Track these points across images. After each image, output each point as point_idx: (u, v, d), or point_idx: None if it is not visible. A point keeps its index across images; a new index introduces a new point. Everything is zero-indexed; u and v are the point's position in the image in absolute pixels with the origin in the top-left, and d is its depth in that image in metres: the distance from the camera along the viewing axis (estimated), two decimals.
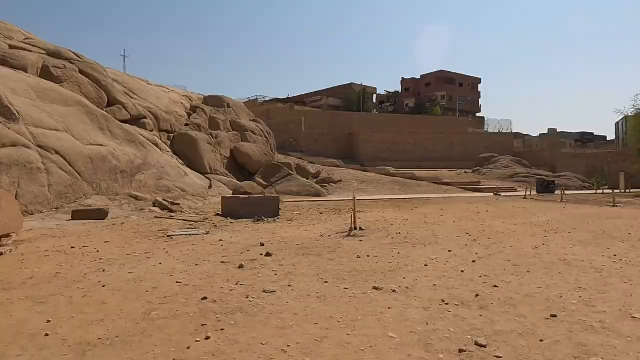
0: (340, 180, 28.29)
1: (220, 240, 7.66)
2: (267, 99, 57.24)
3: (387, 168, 32.98)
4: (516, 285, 4.37)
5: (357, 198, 18.48)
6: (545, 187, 25.05)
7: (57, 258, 5.91)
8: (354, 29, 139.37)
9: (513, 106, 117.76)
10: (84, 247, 6.84)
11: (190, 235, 8.59)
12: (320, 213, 13.05)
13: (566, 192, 25.23)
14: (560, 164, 42.70)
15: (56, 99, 14.55)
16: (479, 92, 70.87)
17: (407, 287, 4.29)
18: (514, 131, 53.77)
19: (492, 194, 23.79)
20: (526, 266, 5.33)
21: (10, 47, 16.09)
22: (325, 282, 4.56)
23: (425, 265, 5.40)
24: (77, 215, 11.06)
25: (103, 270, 5.06)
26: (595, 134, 72.16)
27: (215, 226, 9.74)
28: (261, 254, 6.18)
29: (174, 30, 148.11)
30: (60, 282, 4.52)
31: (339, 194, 24.42)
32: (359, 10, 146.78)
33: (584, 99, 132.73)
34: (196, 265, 5.43)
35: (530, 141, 66.43)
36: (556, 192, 24.92)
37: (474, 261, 5.64)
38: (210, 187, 20.04)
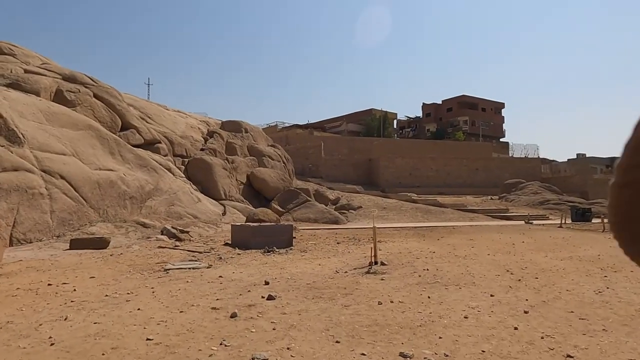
0: (360, 207, 27.15)
1: (221, 276, 6.68)
2: (286, 124, 57.12)
3: (408, 194, 31.71)
4: (597, 355, 3.21)
5: (377, 226, 17.11)
6: (581, 215, 23.29)
7: (23, 299, 5.03)
8: (374, 54, 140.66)
9: (538, 131, 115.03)
10: (63, 284, 5.96)
11: (189, 269, 7.65)
12: (338, 243, 11.96)
13: (605, 221, 23.47)
14: (592, 190, 40.56)
15: (66, 123, 14.16)
16: (503, 117, 69.24)
17: (446, 355, 3.19)
18: (540, 157, 51.78)
19: (523, 222, 22.21)
20: (597, 320, 4.14)
21: (26, 71, 15.97)
22: (337, 341, 3.50)
23: (465, 317, 4.26)
24: (76, 244, 10.30)
25: (65, 319, 4.13)
26: None
27: (220, 258, 8.79)
28: (262, 297, 5.16)
29: (197, 58, 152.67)
30: (3, 336, 3.60)
31: (359, 221, 23.26)
32: (378, 35, 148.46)
33: (614, 122, 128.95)
34: (180, 312, 4.45)
35: (558, 167, 63.97)
36: (593, 220, 23.19)
37: (526, 312, 4.48)
38: (224, 213, 19.25)
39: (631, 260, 0.69)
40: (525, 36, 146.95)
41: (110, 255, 9.25)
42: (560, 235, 14.46)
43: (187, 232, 14.39)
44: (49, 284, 5.88)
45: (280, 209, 22.99)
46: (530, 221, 22.20)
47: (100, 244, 10.52)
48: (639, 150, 0.65)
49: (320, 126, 60.23)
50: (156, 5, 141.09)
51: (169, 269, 7.54)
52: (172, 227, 14.15)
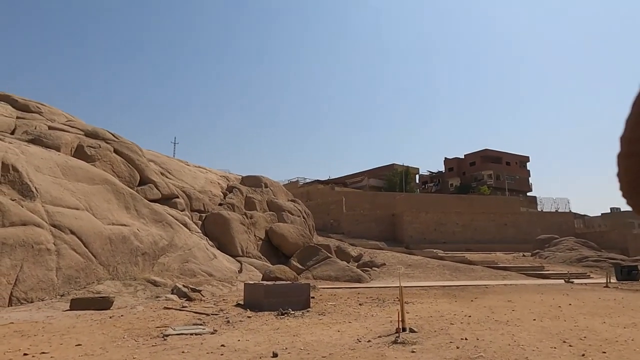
0: (384, 264, 25.79)
1: (223, 345, 5.76)
2: (307, 180, 57.08)
3: (434, 250, 30.18)
4: None
5: (403, 284, 15.88)
6: (627, 274, 21.30)
7: None
8: (394, 109, 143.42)
9: (566, 185, 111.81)
10: (41, 353, 5.17)
11: (191, 334, 6.76)
12: (360, 304, 10.85)
13: None
14: (632, 245, 38.02)
15: (82, 177, 14.02)
16: (528, 171, 67.64)
17: None
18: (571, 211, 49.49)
19: (562, 281, 20.39)
20: None
21: (50, 128, 16.26)
22: None
23: None
24: (77, 304, 9.57)
25: None
26: None
27: (228, 322, 7.86)
28: None
29: (221, 118, 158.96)
30: None
31: (382, 279, 21.89)
32: (397, 88, 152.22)
33: None
34: None
35: (592, 221, 61.05)
36: None
37: None
38: (240, 270, 18.36)
39: None
40: (545, 88, 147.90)
41: (110, 317, 8.45)
42: (610, 297, 12.90)
43: (199, 291, 13.53)
44: (24, 354, 5.09)
45: (300, 266, 21.93)
46: (571, 280, 20.37)
47: (102, 304, 9.77)
48: (639, 125, 0.73)
49: (341, 182, 59.98)
50: (183, 68, 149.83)
51: (168, 335, 6.67)
52: (184, 286, 13.33)
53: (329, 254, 22.83)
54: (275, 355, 5.15)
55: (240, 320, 7.99)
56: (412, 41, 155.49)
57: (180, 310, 9.48)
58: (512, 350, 5.35)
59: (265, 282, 10.35)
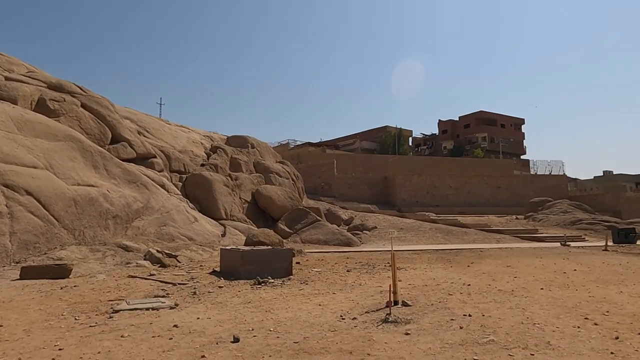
0: (375, 227, 25.02)
1: (176, 325, 4.73)
2: (298, 143, 55.62)
3: (427, 214, 29.44)
4: None
5: (395, 248, 15.00)
6: (625, 237, 20.70)
7: None
8: (388, 70, 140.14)
9: (559, 148, 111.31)
10: None
11: (147, 309, 5.73)
12: (348, 271, 9.91)
13: None
14: (625, 208, 37.70)
15: (42, 133, 12.63)
16: (523, 133, 66.60)
17: None
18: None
19: (558, 244, 19.77)
20: None
21: (7, 79, 14.64)
22: None
23: None
24: (28, 273, 8.49)
25: None
26: None
27: (195, 293, 6.84)
28: None
29: (210, 78, 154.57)
30: None
31: (374, 242, 21.14)
32: (392, 50, 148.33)
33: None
34: None
35: (584, 185, 60.89)
36: (638, 242, 20.62)
37: None
38: (223, 234, 17.39)
39: None
40: (542, 49, 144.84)
41: (61, 288, 7.39)
42: (614, 261, 12.13)
43: (175, 256, 12.54)
44: None
45: (288, 230, 21.05)
46: (567, 243, 19.74)
47: (59, 272, 8.69)
48: None
49: (333, 144, 58.61)
50: (174, 25, 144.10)
51: (118, 311, 5.63)
52: (158, 251, 12.30)
53: (319, 217, 21.92)
54: (235, 340, 4.12)
55: (209, 292, 6.97)
56: (407, 1, 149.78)
57: (145, 279, 8.45)
58: (528, 331, 4.37)
59: (242, 248, 9.34)
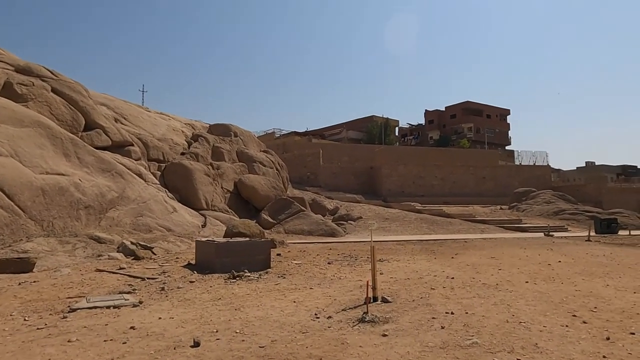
0: (361, 217, 24.75)
1: (133, 327, 4.31)
2: (284, 132, 54.94)
3: (412, 204, 29.31)
4: None
5: (378, 239, 14.68)
6: (607, 227, 20.83)
7: None
8: (375, 61, 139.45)
9: (543, 139, 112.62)
10: None
11: (107, 307, 5.30)
12: (329, 263, 9.57)
13: (632, 232, 21.11)
14: (607, 199, 38.21)
15: (7, 118, 11.93)
16: (508, 124, 66.96)
17: None
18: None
19: (542, 235, 19.77)
20: None
21: None
22: None
23: None
24: None
25: None
26: (638, 167, 66.49)
27: (163, 289, 6.42)
28: None
29: (194, 66, 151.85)
30: None
31: (359, 233, 20.87)
32: (379, 41, 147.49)
33: (622, 129, 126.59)
34: None
35: (566, 175, 61.71)
36: (619, 232, 20.76)
37: None
38: (204, 225, 16.90)
39: None
40: (527, 40, 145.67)
41: (19, 283, 6.89)
42: (598, 252, 12.05)
43: (151, 248, 12.06)
44: None
45: (271, 220, 20.64)
46: (551, 233, 19.76)
47: (21, 266, 8.17)
48: None
49: (319, 133, 58.06)
50: (155, 10, 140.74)
51: (75, 309, 5.19)
52: (132, 243, 11.81)
53: (303, 207, 21.54)
54: (196, 344, 3.73)
55: (179, 287, 6.55)
56: None
57: (113, 273, 7.98)
58: (514, 331, 4.07)
59: (217, 240, 8.91)
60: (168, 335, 4.07)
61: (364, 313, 4.61)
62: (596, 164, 66.77)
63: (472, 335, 3.93)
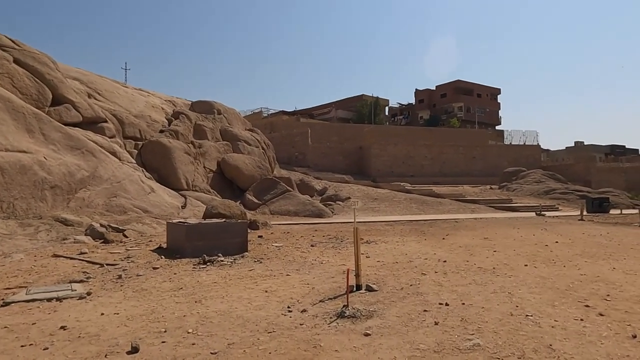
0: (349, 198, 24.11)
1: (63, 327, 3.56)
2: (272, 111, 53.67)
3: (402, 184, 28.73)
4: None
5: (367, 219, 14.02)
6: (599, 206, 20.51)
7: None
8: (366, 39, 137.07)
9: (532, 118, 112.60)
10: None
11: (47, 300, 4.54)
12: (312, 245, 8.90)
13: (624, 211, 20.85)
14: (595, 178, 38.14)
15: None
16: (499, 104, 66.39)
17: None
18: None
19: (533, 214, 19.35)
20: None
21: None
22: None
23: None
24: None
25: None
26: (626, 147, 66.74)
27: (120, 277, 5.66)
28: None
29: (182, 44, 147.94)
30: None
31: (347, 213, 20.24)
32: (369, 19, 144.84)
33: (611, 109, 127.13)
34: None
35: (555, 155, 61.70)
36: (611, 212, 20.47)
37: None
38: (184, 206, 16.07)
39: None
40: (519, 19, 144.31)
41: None
42: (594, 232, 11.55)
43: (123, 230, 11.25)
44: None
45: (256, 201, 19.90)
46: (542, 213, 19.34)
47: None
48: None
49: (308, 113, 56.94)
50: None
51: (8, 303, 4.42)
52: (101, 225, 10.99)
53: (289, 188, 20.80)
54: (133, 350, 3.01)
55: (139, 275, 5.80)
56: None
57: (71, 258, 7.19)
58: (521, 328, 3.41)
59: (188, 221, 8.15)
60: (104, 337, 3.34)
61: (344, 306, 3.92)
62: (585, 143, 66.90)
63: (472, 334, 3.26)
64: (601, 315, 3.77)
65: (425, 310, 3.93)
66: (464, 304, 4.16)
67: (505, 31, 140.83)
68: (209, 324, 3.61)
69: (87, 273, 6.02)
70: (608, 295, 4.50)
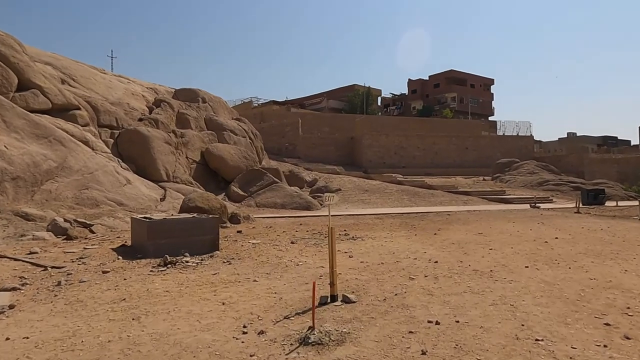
0: (339, 189, 23.41)
1: None
2: (262, 101, 52.54)
3: (393, 175, 28.04)
4: None
5: (357, 212, 13.24)
6: (594, 198, 19.96)
7: None
8: (358, 28, 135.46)
9: (524, 109, 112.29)
10: None
11: None
12: (292, 242, 8.13)
13: (619, 203, 20.35)
14: (588, 169, 37.77)
15: None
16: (492, 94, 65.75)
17: None
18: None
19: (528, 206, 18.75)
20: None
21: None
22: None
23: None
24: None
25: None
26: (619, 138, 66.64)
27: (58, 284, 4.86)
28: None
29: (168, 29, 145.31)
30: None
31: (337, 205, 19.51)
32: (361, 8, 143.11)
33: (603, 100, 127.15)
34: None
35: (548, 146, 61.42)
36: (607, 204, 19.96)
37: None
38: (163, 198, 15.19)
39: None
40: (512, 10, 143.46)
41: None
42: (594, 226, 10.91)
43: (90, 226, 10.41)
44: None
45: (242, 193, 19.08)
46: (537, 205, 18.75)
47: None
48: None
49: (299, 103, 55.86)
50: None
51: None
52: (66, 220, 10.14)
53: (276, 179, 19.98)
54: None
55: (82, 281, 4.99)
56: None
57: (15, 259, 6.35)
58: (532, 358, 2.67)
59: (151, 218, 7.34)
60: None
61: (310, 328, 3.15)
62: (577, 134, 66.65)
63: None
64: (627, 338, 3.05)
65: (410, 332, 3.18)
66: (458, 322, 3.42)
67: (499, 22, 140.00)
68: (135, 354, 2.83)
69: (25, 278, 5.20)
70: (628, 307, 3.79)
